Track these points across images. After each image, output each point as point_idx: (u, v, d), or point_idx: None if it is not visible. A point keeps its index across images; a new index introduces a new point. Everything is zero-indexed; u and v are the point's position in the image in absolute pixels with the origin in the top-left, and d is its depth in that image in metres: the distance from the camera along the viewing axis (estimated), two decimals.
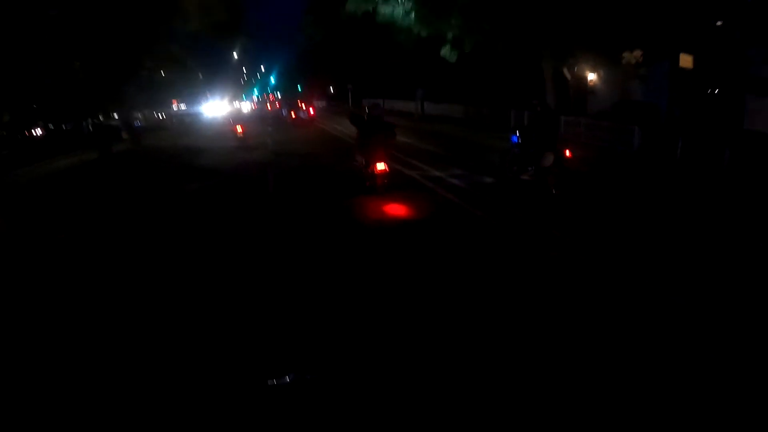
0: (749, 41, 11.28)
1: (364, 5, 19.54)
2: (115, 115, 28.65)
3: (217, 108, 47.41)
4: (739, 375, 3.30)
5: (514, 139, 9.90)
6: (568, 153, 8.92)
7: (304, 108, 32.03)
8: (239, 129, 21.12)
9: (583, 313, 4.36)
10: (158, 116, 37.11)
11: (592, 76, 18.78)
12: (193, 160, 16.50)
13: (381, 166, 9.91)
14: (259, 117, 38.03)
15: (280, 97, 53.55)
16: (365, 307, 4.63)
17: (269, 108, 48.45)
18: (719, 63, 11.96)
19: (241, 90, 66.39)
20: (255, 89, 64.51)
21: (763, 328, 3.91)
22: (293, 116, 31.19)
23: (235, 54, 39.79)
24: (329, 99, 44.69)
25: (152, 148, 21.52)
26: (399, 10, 19.06)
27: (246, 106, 49.89)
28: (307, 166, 14.39)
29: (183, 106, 58.87)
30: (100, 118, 25.52)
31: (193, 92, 73.21)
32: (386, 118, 11.36)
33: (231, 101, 49.96)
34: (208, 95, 64.55)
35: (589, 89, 19.10)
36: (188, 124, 35.19)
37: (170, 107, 47.07)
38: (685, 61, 11.19)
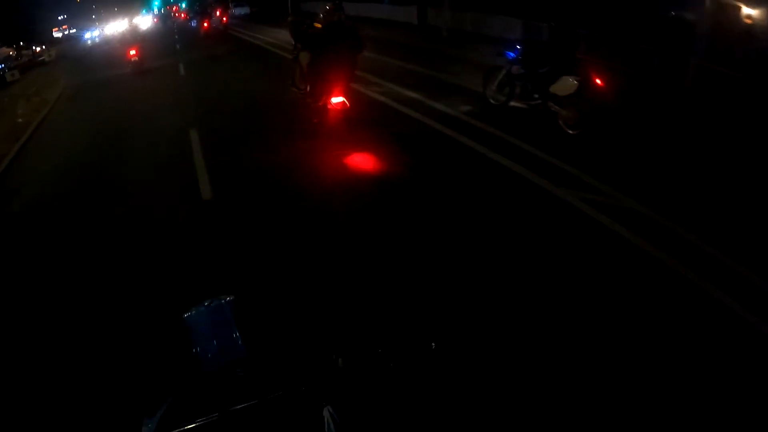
0: None
1: None
2: None
3: (112, 28, 39.63)
4: None
5: (511, 54, 7.34)
6: (598, 81, 6.21)
7: (216, 15, 26.89)
8: (133, 53, 16.19)
9: None
10: (35, 49, 29.42)
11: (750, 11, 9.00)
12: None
13: (337, 99, 6.46)
14: (162, 32, 31.42)
15: (184, 7, 45.01)
16: None
17: (173, 20, 40.78)
18: None
19: (140, 5, 56.19)
20: (156, 2, 54.39)
21: None
22: (205, 26, 25.98)
23: None
24: (252, 4, 37.11)
25: None
26: None
27: (145, 22, 41.67)
28: (231, 100, 10.39)
29: (73, 31, 49.88)
30: None
31: (82, 15, 62.24)
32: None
33: (130, 19, 41.75)
34: (103, 13, 54.58)
35: (743, 28, 9.28)
36: (65, 54, 27.86)
37: (51, 35, 38.97)
38: None
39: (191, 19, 35.70)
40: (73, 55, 26.26)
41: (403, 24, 19.41)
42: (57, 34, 48.48)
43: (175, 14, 45.78)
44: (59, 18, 70.29)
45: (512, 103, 7.50)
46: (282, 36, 17.74)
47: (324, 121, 6.94)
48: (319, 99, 6.88)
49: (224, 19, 26.84)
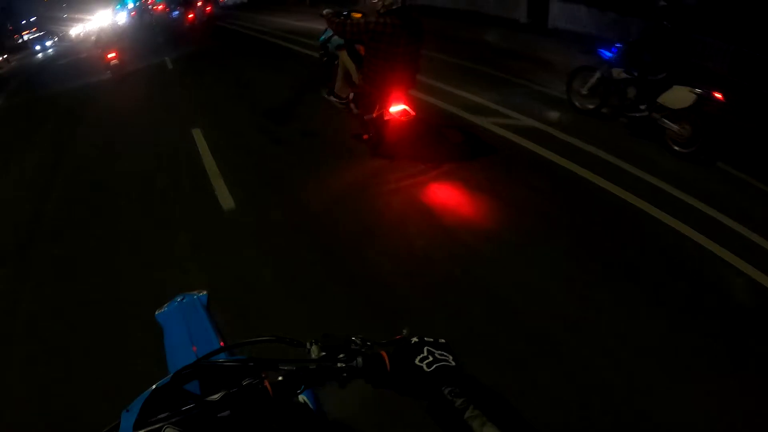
0: None
1: None
2: None
3: (79, 29, 37.08)
4: None
5: (607, 54, 6.29)
6: (718, 95, 5.22)
7: (199, 5, 24.77)
8: (111, 56, 14.28)
9: None
10: None
11: None
12: None
13: (398, 107, 4.82)
14: (140, 27, 29.02)
15: None
16: None
17: (151, 13, 38.26)
18: None
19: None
20: None
21: None
22: (191, 18, 23.81)
23: None
24: None
25: None
26: None
27: (121, 18, 38.90)
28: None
29: (41, 33, 46.86)
30: None
31: (53, 14, 58.99)
32: None
33: (110, 14, 39.12)
34: (75, 9, 51.55)
35: None
36: (17, 72, 23.04)
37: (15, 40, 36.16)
38: None
39: (171, 10, 33.28)
40: (21, 78, 20.20)
41: (495, 20, 12.66)
42: (26, 37, 45.59)
43: (151, 7, 43.12)
44: (31, 19, 66.69)
45: (603, 110, 6.42)
46: (290, 26, 15.79)
47: (379, 136, 5.29)
48: (371, 109, 5.17)
49: (208, 8, 24.65)
